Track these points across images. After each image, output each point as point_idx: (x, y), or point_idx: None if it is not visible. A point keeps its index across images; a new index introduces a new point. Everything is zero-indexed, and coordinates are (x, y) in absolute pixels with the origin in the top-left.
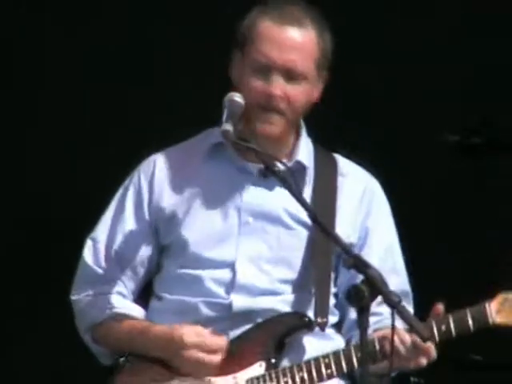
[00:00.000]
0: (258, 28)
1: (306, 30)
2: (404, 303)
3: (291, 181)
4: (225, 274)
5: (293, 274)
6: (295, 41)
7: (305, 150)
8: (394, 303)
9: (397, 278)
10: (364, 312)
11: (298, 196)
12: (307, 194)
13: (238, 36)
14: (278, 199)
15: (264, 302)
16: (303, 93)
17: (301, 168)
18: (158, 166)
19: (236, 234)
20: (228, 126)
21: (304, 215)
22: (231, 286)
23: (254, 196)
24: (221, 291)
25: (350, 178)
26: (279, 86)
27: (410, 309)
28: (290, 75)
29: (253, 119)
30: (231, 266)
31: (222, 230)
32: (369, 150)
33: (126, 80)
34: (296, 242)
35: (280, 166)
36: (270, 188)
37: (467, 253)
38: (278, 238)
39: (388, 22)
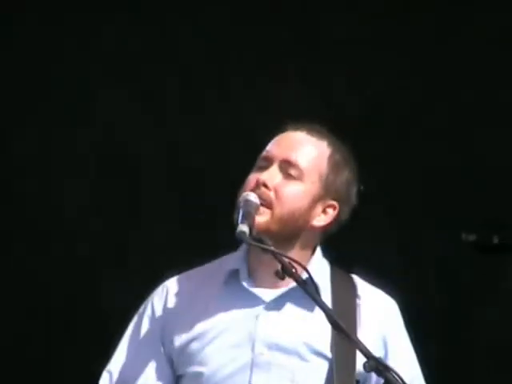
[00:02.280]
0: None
1: (319, 141)
2: None
3: (309, 284)
4: None
5: None
6: (303, 142)
7: (318, 270)
8: None
9: None
10: None
11: (316, 298)
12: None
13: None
14: (294, 328)
15: None
16: (297, 193)
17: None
18: (170, 294)
19: (249, 367)
20: (244, 228)
21: (323, 346)
22: None
23: (269, 325)
24: None
25: (368, 300)
26: (269, 174)
27: None
28: (287, 169)
29: None
30: None
31: (235, 363)
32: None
33: None
34: (313, 375)
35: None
36: (286, 315)
37: None
38: (293, 371)
39: None
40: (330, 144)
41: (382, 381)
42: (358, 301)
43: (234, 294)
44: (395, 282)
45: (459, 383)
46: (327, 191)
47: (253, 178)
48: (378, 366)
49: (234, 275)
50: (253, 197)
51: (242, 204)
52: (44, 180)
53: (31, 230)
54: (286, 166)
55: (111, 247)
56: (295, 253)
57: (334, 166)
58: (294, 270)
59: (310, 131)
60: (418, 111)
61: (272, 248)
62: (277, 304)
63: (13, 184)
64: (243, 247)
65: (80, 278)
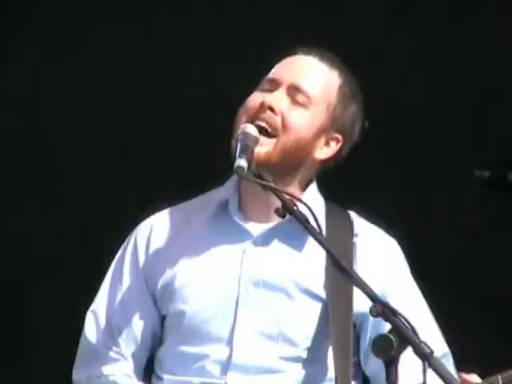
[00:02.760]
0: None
1: (330, 70)
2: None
3: (310, 222)
4: (221, 352)
5: (299, 351)
6: (312, 67)
7: (312, 203)
8: (425, 355)
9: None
10: (392, 364)
11: (319, 238)
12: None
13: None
14: (281, 265)
15: (265, 381)
16: (304, 121)
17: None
18: (154, 231)
19: (234, 306)
20: (242, 162)
21: (314, 285)
22: (227, 365)
23: (256, 261)
24: (216, 371)
25: (366, 238)
26: (276, 97)
27: (451, 368)
28: (295, 95)
29: None
30: (228, 342)
31: (219, 300)
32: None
33: None
34: (302, 315)
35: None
36: (274, 251)
37: None
38: (280, 310)
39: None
40: (341, 74)
41: (379, 323)
42: (354, 239)
43: (222, 227)
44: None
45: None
46: (333, 123)
47: (257, 98)
48: (384, 310)
49: (223, 208)
50: (252, 129)
51: (240, 137)
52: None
53: None
54: (294, 92)
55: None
56: (292, 187)
57: (343, 97)
58: (295, 208)
59: (322, 58)
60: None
61: (272, 184)
62: (265, 239)
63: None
64: (233, 178)
65: (72, 215)
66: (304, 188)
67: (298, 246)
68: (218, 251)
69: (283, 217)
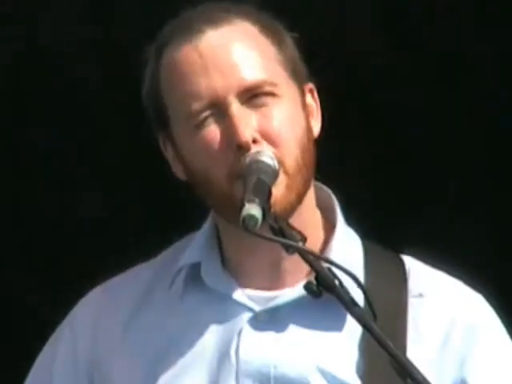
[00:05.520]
0: (164, 71)
1: (233, 25)
2: None
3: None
4: None
5: None
6: (227, 46)
7: (346, 251)
8: None
9: None
10: None
11: (371, 328)
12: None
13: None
14: (300, 348)
15: None
16: (287, 115)
17: None
18: (101, 312)
19: None
20: (254, 210)
21: (348, 373)
22: None
23: (258, 346)
24: None
25: (429, 300)
26: (242, 121)
27: None
28: (255, 97)
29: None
30: None
31: None
32: None
33: None
34: None
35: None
36: (287, 330)
37: None
38: None
39: None
40: (255, 21)
41: None
42: (411, 300)
43: (202, 299)
44: None
45: None
46: (299, 78)
47: (215, 140)
48: None
49: (195, 272)
50: (268, 155)
51: (250, 168)
52: None
53: None
54: (249, 94)
55: None
56: (305, 212)
57: (278, 41)
58: (336, 282)
59: (229, 21)
60: None
61: (301, 245)
62: (273, 316)
63: None
64: (209, 222)
65: None
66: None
67: (326, 324)
68: (198, 338)
69: (317, 295)
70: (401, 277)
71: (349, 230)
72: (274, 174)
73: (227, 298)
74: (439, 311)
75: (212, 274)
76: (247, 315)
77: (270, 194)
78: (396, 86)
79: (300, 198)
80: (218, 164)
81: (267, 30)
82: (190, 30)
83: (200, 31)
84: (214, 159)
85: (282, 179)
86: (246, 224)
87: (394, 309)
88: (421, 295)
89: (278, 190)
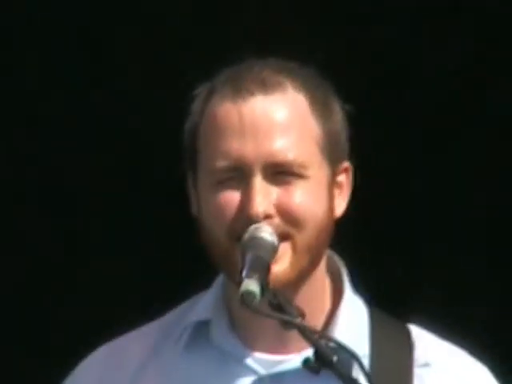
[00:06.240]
0: (206, 118)
1: (284, 95)
2: None
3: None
4: None
5: None
6: (269, 116)
7: (348, 322)
8: None
9: None
10: None
11: None
12: None
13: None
14: None
15: None
16: (310, 198)
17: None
18: (102, 375)
19: None
20: (252, 286)
21: None
22: None
23: None
24: None
25: (435, 369)
26: (262, 194)
27: None
28: (278, 175)
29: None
30: None
31: None
32: None
33: None
34: None
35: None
36: None
37: None
38: None
39: None
40: (308, 92)
41: None
42: (417, 369)
43: (203, 362)
44: None
45: None
46: (335, 158)
47: (226, 204)
48: None
49: (203, 330)
50: (267, 232)
51: (249, 244)
52: None
53: None
54: (275, 171)
55: None
56: (313, 281)
57: (325, 118)
58: (335, 358)
59: (272, 86)
60: None
61: (299, 321)
62: (276, 380)
63: None
64: (219, 280)
65: None
66: (324, 273)
67: None
68: None
69: (316, 371)
70: (407, 345)
71: (356, 298)
72: (274, 250)
73: (233, 359)
74: (445, 381)
75: (219, 332)
76: (251, 378)
77: (268, 269)
78: None
79: (302, 275)
80: (223, 225)
81: (318, 105)
82: (240, 88)
83: (249, 92)
84: (222, 220)
85: (287, 255)
86: (245, 299)
87: (399, 378)
88: (427, 364)
89: (280, 266)
